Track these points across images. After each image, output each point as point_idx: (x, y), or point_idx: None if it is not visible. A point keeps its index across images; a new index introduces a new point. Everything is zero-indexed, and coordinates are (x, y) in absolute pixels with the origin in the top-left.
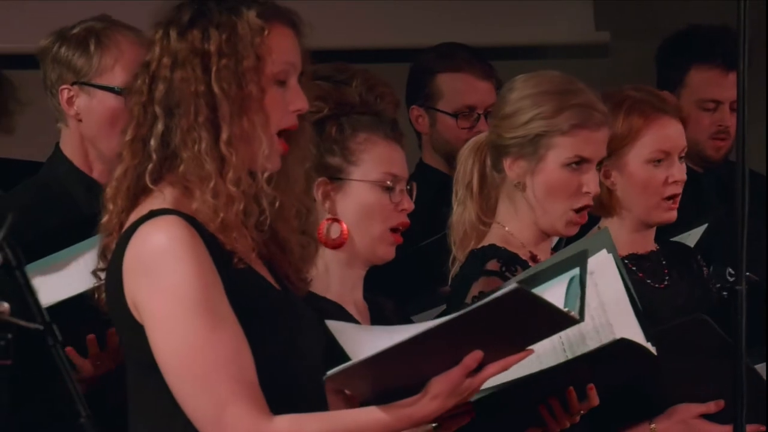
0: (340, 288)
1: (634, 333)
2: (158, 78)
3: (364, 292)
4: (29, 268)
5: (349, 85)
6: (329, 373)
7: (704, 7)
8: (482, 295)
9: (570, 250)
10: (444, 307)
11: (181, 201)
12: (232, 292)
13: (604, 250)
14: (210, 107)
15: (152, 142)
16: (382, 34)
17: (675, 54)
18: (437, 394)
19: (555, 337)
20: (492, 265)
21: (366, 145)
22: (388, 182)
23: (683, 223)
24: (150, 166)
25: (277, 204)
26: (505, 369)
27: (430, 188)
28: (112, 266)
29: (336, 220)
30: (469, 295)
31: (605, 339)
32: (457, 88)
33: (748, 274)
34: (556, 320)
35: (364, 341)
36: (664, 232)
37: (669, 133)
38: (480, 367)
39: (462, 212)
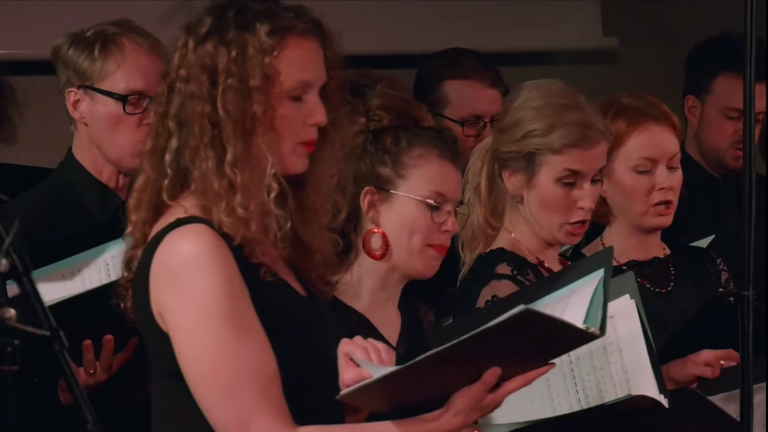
0: (369, 300)
1: (649, 384)
2: (174, 90)
3: (402, 301)
4: (36, 273)
5: (372, 90)
6: (342, 393)
7: (712, 14)
8: (495, 299)
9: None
10: (450, 319)
11: (204, 212)
12: (260, 304)
13: (627, 296)
14: (214, 127)
15: (167, 157)
16: (387, 39)
17: (703, 60)
18: (460, 409)
19: (571, 387)
20: (502, 268)
21: (419, 160)
22: (433, 201)
23: (700, 230)
24: (166, 182)
25: (306, 210)
26: (527, 383)
27: None
28: (139, 275)
29: (379, 231)
30: (480, 298)
31: (621, 391)
32: (464, 96)
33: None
34: (574, 336)
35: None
36: (672, 236)
37: (655, 140)
38: (501, 381)
39: (470, 215)
